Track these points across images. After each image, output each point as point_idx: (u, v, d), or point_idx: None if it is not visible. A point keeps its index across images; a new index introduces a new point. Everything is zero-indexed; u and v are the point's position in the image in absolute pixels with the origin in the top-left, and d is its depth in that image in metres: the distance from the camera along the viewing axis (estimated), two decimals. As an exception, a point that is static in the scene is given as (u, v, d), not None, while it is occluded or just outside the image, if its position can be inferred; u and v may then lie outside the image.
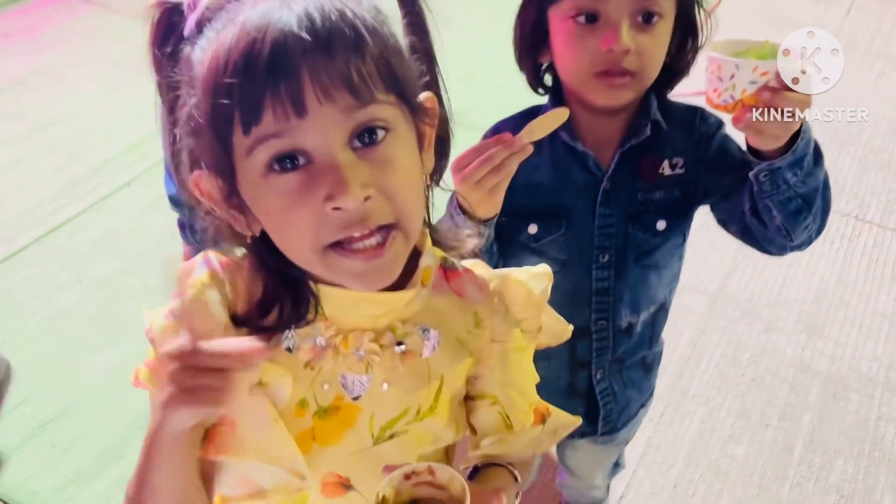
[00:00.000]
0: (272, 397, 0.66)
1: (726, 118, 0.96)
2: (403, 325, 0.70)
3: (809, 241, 1.03)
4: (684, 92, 1.09)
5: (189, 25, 0.60)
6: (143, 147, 2.77)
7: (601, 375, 1.17)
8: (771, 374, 2.09)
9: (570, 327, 0.84)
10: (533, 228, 1.06)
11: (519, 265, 1.06)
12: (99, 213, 2.54)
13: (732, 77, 0.80)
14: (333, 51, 0.55)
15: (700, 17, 1.02)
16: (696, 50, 1.03)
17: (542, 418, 0.83)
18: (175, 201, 1.86)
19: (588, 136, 1.05)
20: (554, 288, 1.07)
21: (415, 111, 0.63)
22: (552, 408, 0.84)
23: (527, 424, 0.80)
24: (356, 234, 0.59)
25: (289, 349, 0.67)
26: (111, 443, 1.85)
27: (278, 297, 0.66)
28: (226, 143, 0.58)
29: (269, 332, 0.65)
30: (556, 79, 1.07)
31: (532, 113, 1.08)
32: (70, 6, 3.80)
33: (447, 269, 0.76)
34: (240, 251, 0.69)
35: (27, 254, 2.39)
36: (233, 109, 0.56)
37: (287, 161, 0.57)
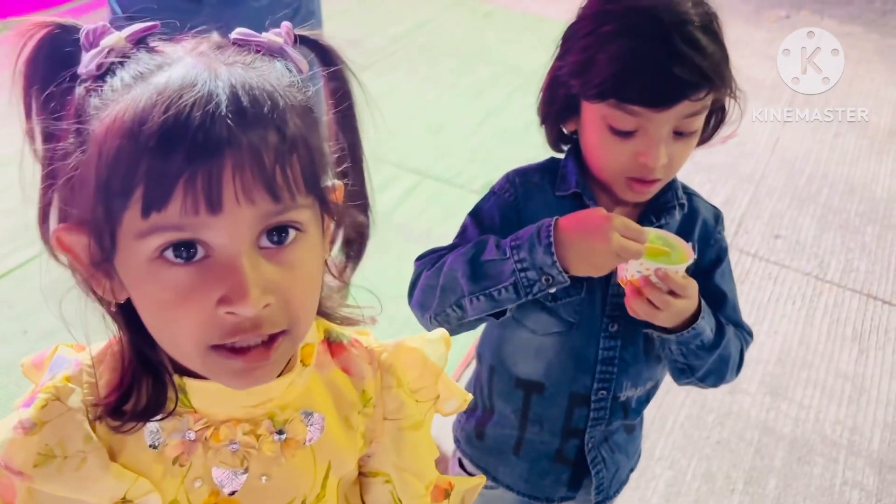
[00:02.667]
0: None
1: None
2: (283, 411, 0.64)
3: (714, 386, 1.10)
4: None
5: (87, 64, 0.53)
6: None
7: (592, 444, 1.13)
8: (736, 436, 2.07)
9: (470, 396, 0.78)
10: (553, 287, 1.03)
11: (526, 320, 1.05)
12: (47, 262, 2.43)
13: (628, 263, 0.93)
14: (261, 148, 0.50)
15: (729, 104, 1.02)
16: (717, 129, 1.04)
17: (445, 493, 0.78)
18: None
19: (610, 207, 1.02)
20: (559, 351, 1.07)
21: (328, 208, 0.59)
22: (455, 479, 0.80)
23: None
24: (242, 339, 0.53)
25: (154, 446, 0.60)
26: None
27: (137, 379, 0.59)
28: (114, 216, 0.51)
29: (129, 422, 0.59)
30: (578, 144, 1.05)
31: (552, 168, 1.06)
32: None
33: (332, 343, 0.70)
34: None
35: (-31, 303, 2.28)
36: (133, 186, 0.49)
37: (182, 250, 0.51)
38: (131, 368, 0.59)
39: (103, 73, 0.53)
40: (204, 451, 0.61)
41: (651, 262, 0.91)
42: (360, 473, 0.75)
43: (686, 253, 0.94)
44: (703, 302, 0.98)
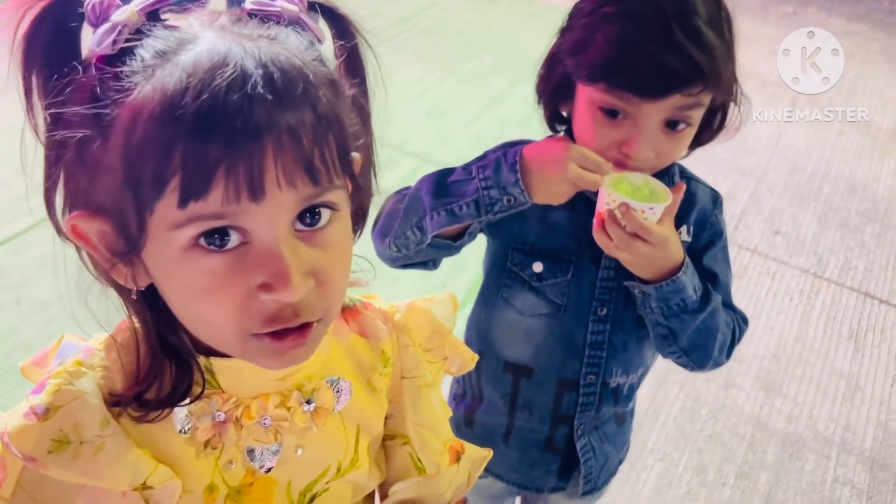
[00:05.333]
0: (156, 501, 0.58)
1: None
2: (309, 381, 0.63)
3: (700, 364, 1.04)
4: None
5: (99, 43, 0.49)
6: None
7: (582, 431, 1.12)
8: (729, 430, 2.07)
9: (476, 356, 0.77)
10: (538, 267, 1.03)
11: (513, 300, 1.05)
12: (42, 233, 2.41)
13: (600, 194, 0.93)
14: (300, 129, 0.48)
15: (732, 110, 1.00)
16: (718, 133, 1.02)
17: (457, 456, 0.77)
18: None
19: None
20: (547, 335, 1.06)
21: (357, 185, 0.57)
22: (466, 444, 0.79)
23: (442, 466, 0.75)
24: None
25: (183, 431, 0.58)
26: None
27: (157, 366, 0.56)
28: (145, 206, 0.48)
29: (153, 410, 0.56)
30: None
31: None
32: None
33: (345, 308, 0.70)
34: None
35: (-38, 272, 2.27)
36: (169, 175, 0.46)
37: (216, 237, 0.49)
38: (151, 355, 0.56)
39: (120, 53, 0.49)
40: (236, 430, 0.60)
41: (619, 194, 0.90)
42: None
43: (664, 196, 0.92)
44: (688, 259, 0.96)
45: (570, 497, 1.22)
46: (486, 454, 0.81)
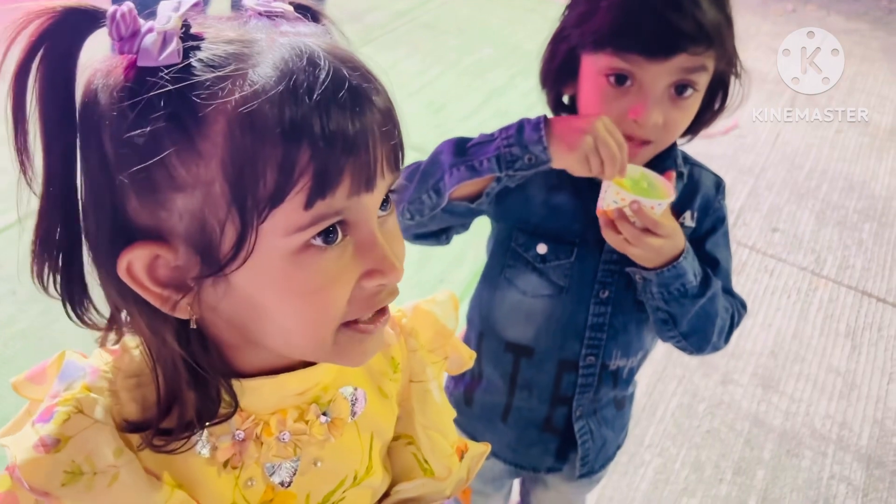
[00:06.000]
0: None
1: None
2: (326, 392, 0.63)
3: (699, 349, 1.06)
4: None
5: (161, 54, 0.45)
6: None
7: (580, 413, 1.13)
8: (727, 426, 2.07)
9: (474, 354, 0.78)
10: (542, 248, 1.04)
11: (516, 280, 1.06)
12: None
13: (605, 192, 0.94)
14: (388, 116, 0.49)
15: (733, 85, 1.02)
16: (720, 112, 1.03)
17: (461, 454, 0.77)
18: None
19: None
20: (549, 316, 1.07)
21: None
22: (469, 441, 0.79)
23: (453, 468, 0.74)
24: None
25: (202, 452, 0.57)
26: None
27: (181, 393, 0.54)
28: (254, 217, 0.46)
29: (173, 436, 0.54)
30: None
31: None
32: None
33: None
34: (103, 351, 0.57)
35: (-42, 261, 2.25)
36: (296, 177, 0.45)
37: (332, 234, 0.49)
38: (173, 380, 0.54)
39: (189, 65, 0.46)
40: (256, 448, 0.58)
41: (628, 193, 0.91)
42: None
43: (666, 191, 0.94)
44: (688, 245, 0.97)
45: (568, 480, 1.23)
46: (485, 449, 0.81)
